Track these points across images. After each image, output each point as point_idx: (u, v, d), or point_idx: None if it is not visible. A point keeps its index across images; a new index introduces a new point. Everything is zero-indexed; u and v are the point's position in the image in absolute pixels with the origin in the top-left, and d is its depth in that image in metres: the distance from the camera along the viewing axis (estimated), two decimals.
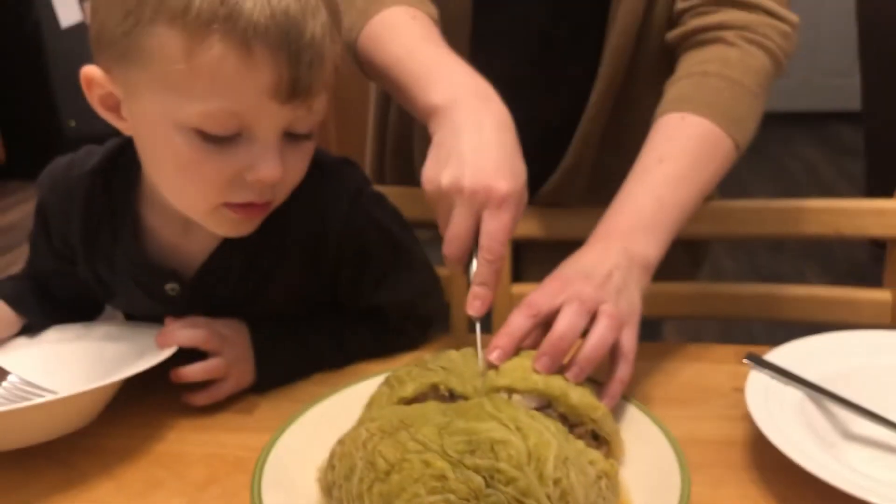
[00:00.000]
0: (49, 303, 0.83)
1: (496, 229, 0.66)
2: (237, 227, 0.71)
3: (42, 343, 0.80)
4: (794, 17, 0.80)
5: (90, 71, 0.66)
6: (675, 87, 0.78)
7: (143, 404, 0.74)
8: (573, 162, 0.93)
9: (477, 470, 0.49)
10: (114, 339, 0.79)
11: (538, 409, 0.59)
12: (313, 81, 0.64)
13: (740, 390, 0.65)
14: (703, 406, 0.71)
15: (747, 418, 0.64)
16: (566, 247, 0.73)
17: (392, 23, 0.77)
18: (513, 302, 0.94)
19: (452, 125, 0.68)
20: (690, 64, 0.79)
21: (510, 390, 0.61)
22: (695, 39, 0.81)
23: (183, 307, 0.76)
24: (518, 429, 0.52)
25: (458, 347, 0.66)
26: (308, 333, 0.79)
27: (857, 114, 2.87)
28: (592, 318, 0.64)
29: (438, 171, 0.67)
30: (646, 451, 0.61)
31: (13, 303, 0.80)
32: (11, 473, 0.66)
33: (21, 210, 3.60)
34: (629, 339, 0.66)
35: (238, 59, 0.61)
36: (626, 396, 0.66)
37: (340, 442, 0.56)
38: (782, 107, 4.29)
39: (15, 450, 0.66)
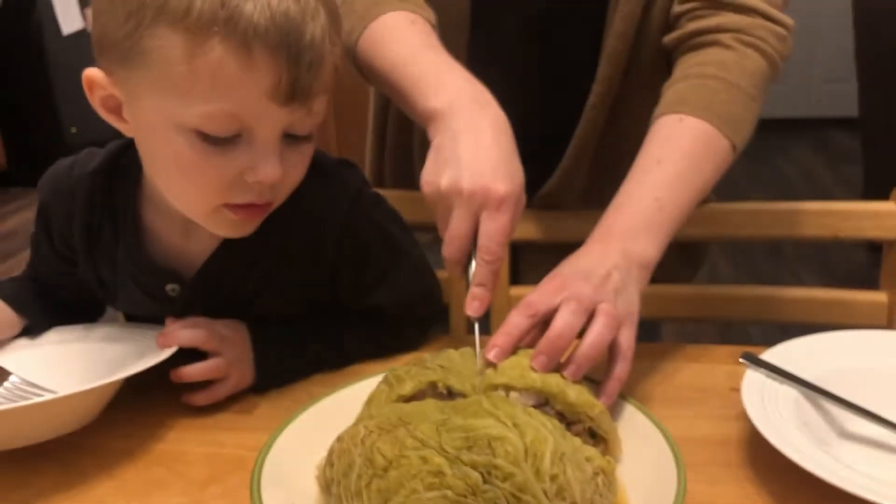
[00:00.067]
0: (50, 304, 0.84)
1: (494, 231, 0.66)
2: (237, 227, 0.71)
3: (43, 344, 0.81)
4: (789, 20, 0.81)
5: (92, 73, 0.67)
6: (673, 90, 0.79)
7: (143, 404, 0.74)
8: (571, 165, 0.94)
9: (474, 466, 0.50)
10: (114, 340, 0.80)
11: (536, 406, 0.60)
12: (313, 83, 0.65)
13: (737, 390, 0.66)
14: (700, 405, 0.72)
15: (744, 418, 0.64)
16: (564, 249, 0.73)
17: (391, 27, 0.78)
18: (511, 304, 0.94)
19: (451, 129, 0.69)
20: (687, 66, 0.80)
21: (508, 388, 0.61)
22: (691, 42, 0.82)
23: (183, 308, 0.77)
24: (515, 425, 0.52)
25: (456, 348, 0.67)
26: (307, 334, 0.79)
27: (855, 120, 2.89)
28: (590, 317, 0.65)
29: (437, 173, 0.68)
30: (643, 449, 0.61)
31: (14, 304, 0.81)
32: (12, 473, 0.67)
33: (22, 216, 3.61)
34: (627, 338, 0.66)
35: (238, 61, 0.62)
36: (624, 395, 0.67)
37: (339, 439, 0.56)
38: (780, 113, 4.32)
39: (16, 449, 0.67)
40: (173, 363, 0.72)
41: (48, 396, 0.66)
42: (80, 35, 3.91)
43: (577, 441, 0.56)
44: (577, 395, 0.61)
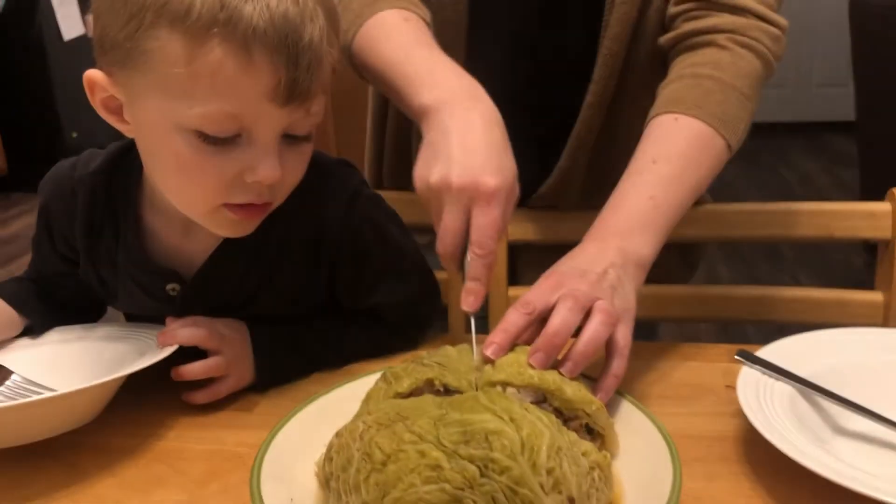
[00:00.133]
0: (51, 304, 0.85)
1: (485, 225, 0.67)
2: (237, 227, 0.72)
3: (44, 344, 0.82)
4: (783, 21, 0.82)
5: (93, 74, 0.68)
6: (668, 90, 0.80)
7: (143, 403, 0.75)
8: (568, 165, 0.94)
9: (471, 460, 0.50)
10: (115, 340, 0.80)
11: (534, 403, 0.60)
12: (311, 84, 0.65)
13: (733, 388, 0.66)
14: (697, 403, 0.72)
15: (739, 415, 0.65)
16: (562, 249, 0.74)
17: (385, 25, 0.79)
18: (509, 304, 0.95)
19: (442, 125, 0.69)
20: (682, 67, 0.81)
21: (506, 385, 0.62)
22: (687, 43, 0.83)
23: (183, 307, 0.77)
24: (512, 420, 0.52)
25: (454, 346, 0.67)
26: (306, 333, 0.80)
27: (851, 124, 2.89)
28: (587, 314, 0.65)
29: (428, 169, 0.68)
30: (639, 445, 0.61)
31: (16, 304, 0.82)
32: (14, 471, 0.67)
33: (23, 221, 3.61)
34: (623, 335, 0.67)
35: (237, 62, 0.62)
36: (621, 392, 0.67)
37: (338, 434, 0.57)
38: (777, 117, 4.34)
39: (17, 447, 0.67)
40: (173, 362, 0.73)
41: (49, 394, 0.66)
42: (81, 41, 3.93)
43: (574, 436, 0.56)
44: (574, 391, 0.62)
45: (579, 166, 0.95)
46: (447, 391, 0.61)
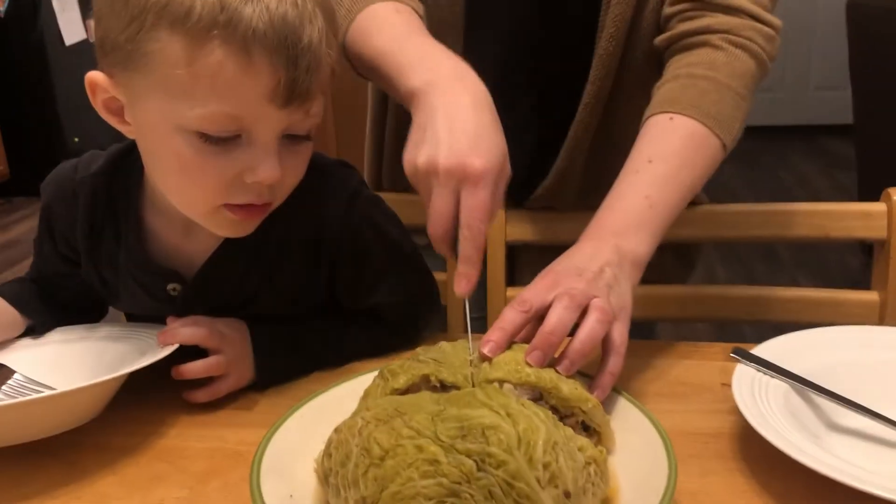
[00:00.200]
0: (53, 305, 0.85)
1: (474, 207, 0.65)
2: (237, 227, 0.72)
3: (46, 343, 0.82)
4: (777, 21, 0.83)
5: (94, 76, 0.68)
6: (663, 90, 0.81)
7: (144, 402, 0.75)
8: (564, 166, 0.95)
9: (468, 454, 0.51)
10: (116, 339, 0.81)
11: (530, 400, 0.61)
12: (311, 85, 0.66)
13: (728, 385, 0.67)
14: (693, 400, 0.73)
15: (735, 412, 0.65)
16: (560, 250, 0.74)
17: (377, 18, 0.79)
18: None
19: (430, 106, 0.69)
20: (678, 67, 0.82)
21: (503, 383, 0.62)
22: (682, 43, 0.83)
23: (184, 307, 0.78)
24: (508, 415, 0.53)
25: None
26: (306, 333, 0.80)
27: (849, 126, 2.90)
28: (584, 312, 0.66)
29: (416, 151, 0.68)
30: (635, 441, 0.62)
31: (18, 304, 0.82)
32: (16, 469, 0.68)
33: (25, 225, 3.62)
34: (620, 333, 0.67)
35: (237, 63, 0.63)
36: (618, 389, 0.68)
37: (337, 430, 0.58)
38: (776, 120, 4.35)
39: (19, 445, 0.68)
40: (174, 361, 0.73)
41: (51, 392, 0.67)
42: (83, 45, 3.94)
43: (570, 431, 0.56)
44: (570, 389, 0.62)
45: (576, 166, 0.96)
46: (443, 387, 0.61)
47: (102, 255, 0.80)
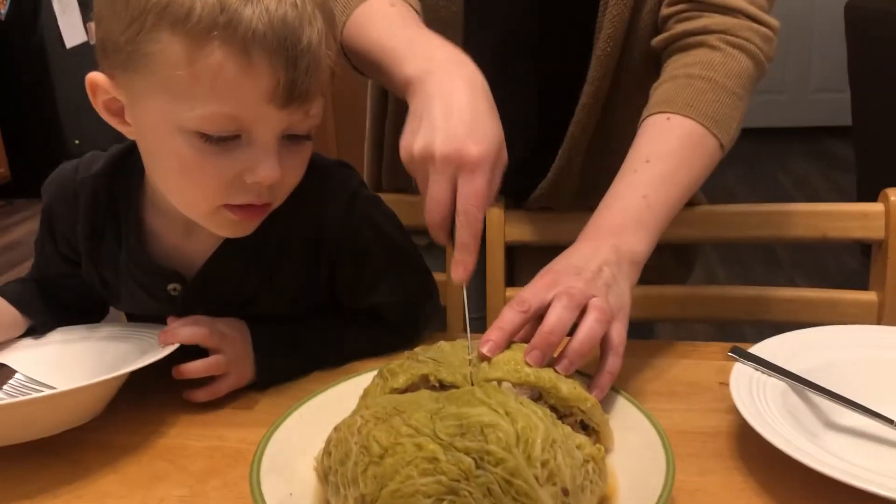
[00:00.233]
0: (54, 305, 0.86)
1: (471, 193, 0.65)
2: (237, 228, 0.73)
3: (47, 344, 0.83)
4: (774, 22, 0.83)
5: (95, 77, 0.69)
6: (661, 90, 0.81)
7: (145, 401, 0.76)
8: (563, 166, 0.95)
9: (467, 452, 0.51)
10: (117, 339, 0.81)
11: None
12: (310, 86, 0.66)
13: (727, 384, 0.67)
14: (691, 400, 0.73)
15: (733, 411, 0.65)
16: (559, 250, 0.74)
17: (372, 12, 0.79)
18: None
19: (426, 93, 0.68)
20: (675, 67, 0.82)
21: (502, 382, 0.62)
22: (679, 44, 0.84)
23: (184, 307, 0.78)
24: (507, 413, 0.53)
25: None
26: (306, 332, 0.81)
27: (849, 128, 2.90)
28: (583, 312, 0.66)
29: (412, 138, 0.67)
30: (633, 439, 0.62)
31: (19, 305, 0.83)
32: (17, 467, 0.68)
33: (26, 228, 3.63)
34: (618, 333, 0.67)
35: (237, 64, 0.63)
36: (616, 388, 0.68)
37: (336, 429, 0.58)
38: (775, 122, 4.36)
39: (21, 444, 0.68)
40: (175, 361, 0.74)
41: (53, 391, 0.67)
42: (84, 48, 3.95)
43: (568, 429, 0.57)
44: (569, 389, 0.63)
45: (574, 166, 0.96)
46: (442, 386, 0.62)
47: (103, 256, 0.81)
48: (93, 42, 0.69)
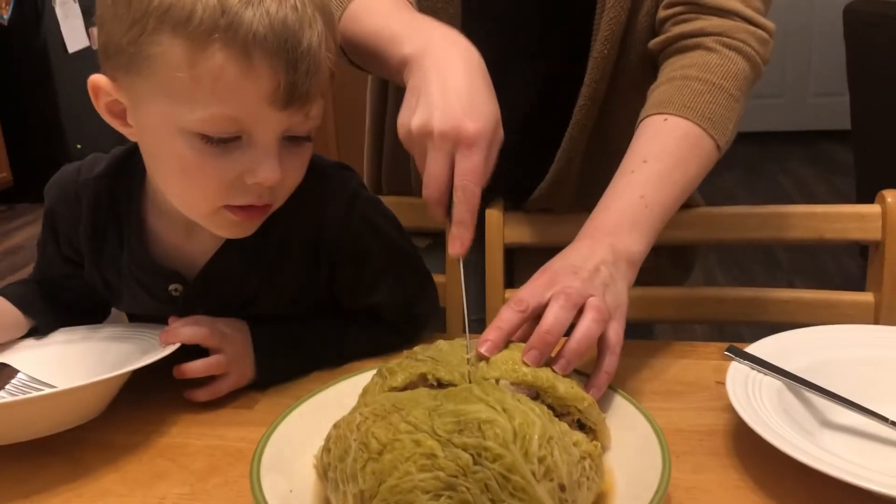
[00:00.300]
0: (56, 306, 0.86)
1: (468, 170, 0.66)
2: (238, 228, 0.73)
3: (49, 344, 0.83)
4: (770, 25, 0.84)
5: (97, 79, 0.70)
6: (658, 92, 0.82)
7: (146, 401, 0.76)
8: (561, 167, 0.96)
9: (465, 448, 0.51)
10: (118, 340, 0.82)
11: None
12: (310, 88, 0.67)
13: (723, 384, 0.67)
14: (688, 399, 0.74)
15: (729, 410, 0.66)
16: (557, 252, 0.74)
17: (367, 3, 0.80)
18: None
19: (422, 71, 0.69)
20: (672, 69, 0.83)
21: (500, 381, 0.63)
22: (676, 46, 0.84)
23: (186, 307, 0.79)
24: (504, 410, 0.54)
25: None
26: (306, 332, 0.81)
27: (848, 132, 2.91)
28: (580, 311, 0.66)
29: (410, 115, 0.68)
30: (630, 438, 0.62)
31: (21, 305, 0.83)
32: (18, 466, 0.69)
33: (28, 231, 3.63)
34: (615, 332, 0.68)
35: (238, 67, 0.64)
36: (614, 387, 0.68)
37: (336, 426, 0.58)
38: (775, 126, 4.36)
39: (22, 443, 0.68)
40: (176, 360, 0.74)
41: (54, 389, 0.67)
42: (86, 52, 3.96)
43: (565, 426, 0.57)
44: (566, 388, 0.63)
45: (572, 167, 0.97)
46: (440, 385, 0.62)
47: (105, 257, 0.81)
48: (95, 47, 0.69)
